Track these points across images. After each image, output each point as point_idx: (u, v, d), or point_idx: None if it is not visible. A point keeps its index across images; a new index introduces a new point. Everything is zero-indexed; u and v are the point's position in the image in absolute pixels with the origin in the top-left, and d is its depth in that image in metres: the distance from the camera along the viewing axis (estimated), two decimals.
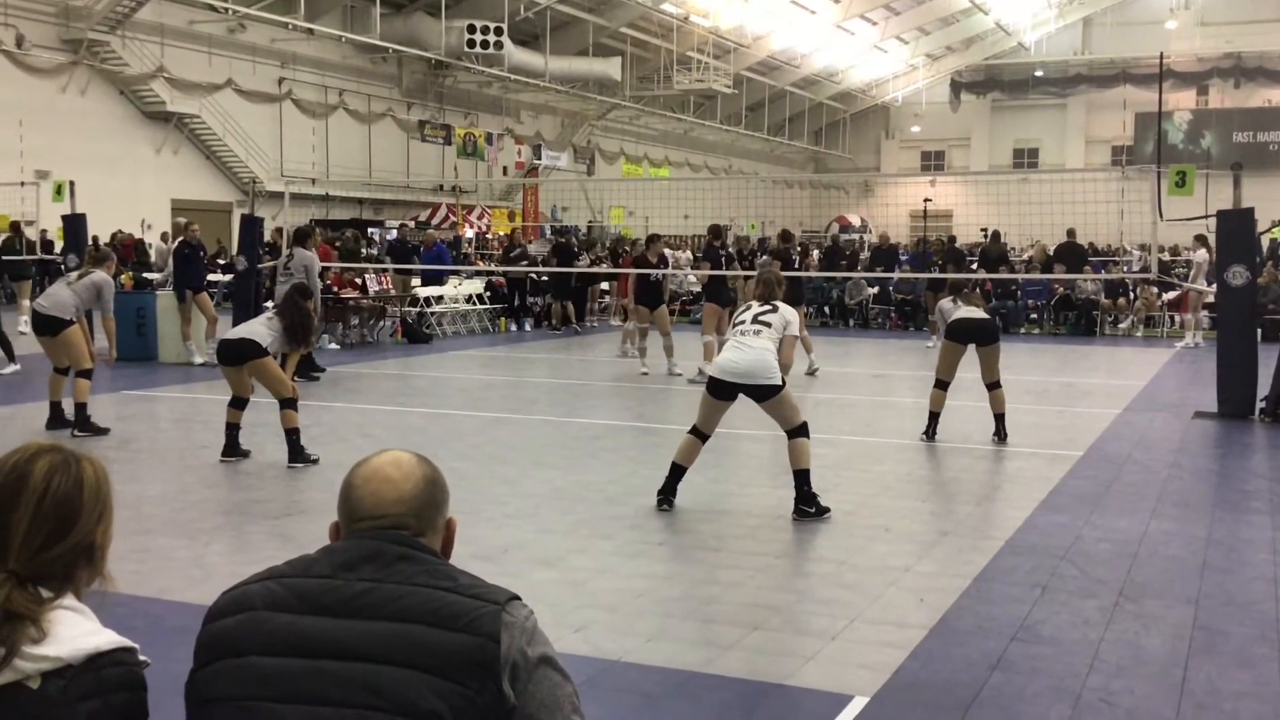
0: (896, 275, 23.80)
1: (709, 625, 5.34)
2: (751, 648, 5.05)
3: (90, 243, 16.64)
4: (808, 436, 7.48)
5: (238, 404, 9.17)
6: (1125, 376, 15.66)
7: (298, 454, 8.97)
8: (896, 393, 13.92)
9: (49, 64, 29.17)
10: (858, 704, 4.43)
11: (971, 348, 10.30)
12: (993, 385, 10.34)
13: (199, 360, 15.48)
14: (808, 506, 7.40)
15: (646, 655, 4.94)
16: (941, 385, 10.35)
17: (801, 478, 7.43)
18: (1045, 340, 21.75)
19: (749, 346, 7.47)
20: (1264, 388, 11.68)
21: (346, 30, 36.29)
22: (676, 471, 7.67)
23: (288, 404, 8.96)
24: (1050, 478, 8.71)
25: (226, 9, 31.78)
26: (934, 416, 10.37)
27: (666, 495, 7.65)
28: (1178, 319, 22.45)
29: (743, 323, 7.71)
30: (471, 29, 37.66)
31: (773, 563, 6.45)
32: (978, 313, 10.48)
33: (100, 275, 10.82)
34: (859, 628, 5.33)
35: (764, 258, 16.70)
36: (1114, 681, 4.68)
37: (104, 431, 10.31)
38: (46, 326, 10.46)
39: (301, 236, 15.02)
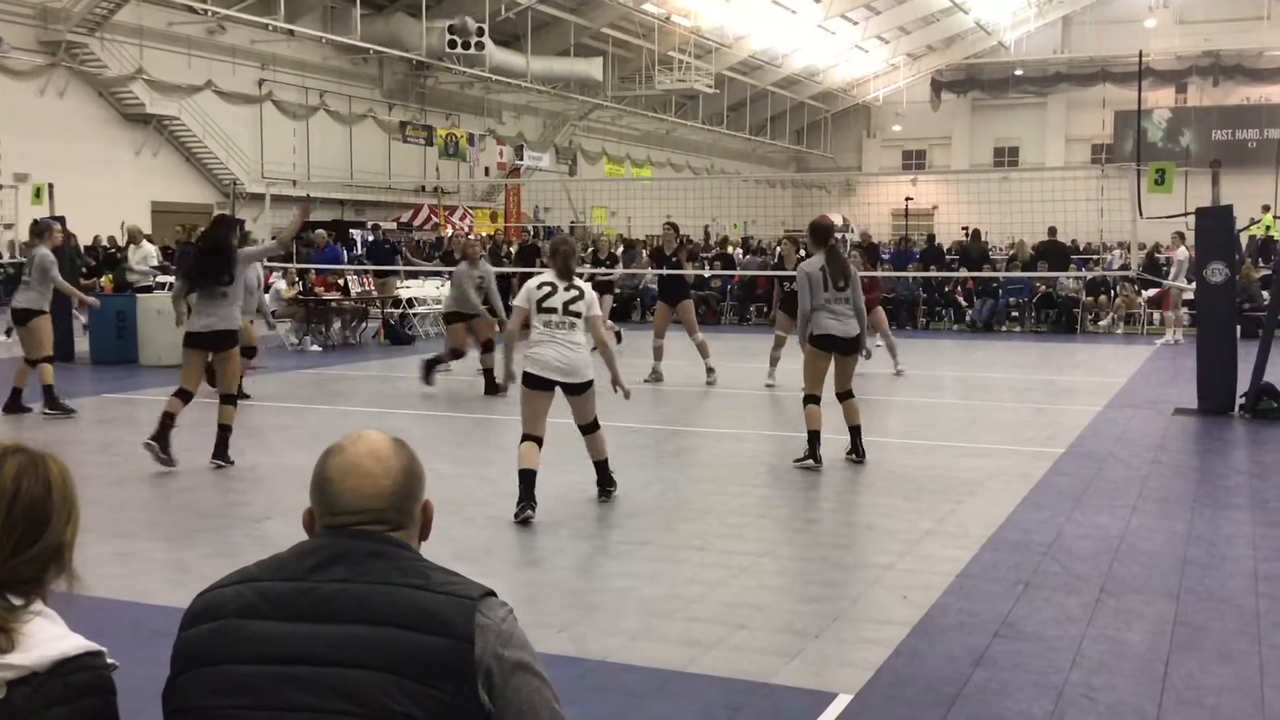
0: (880, 273, 23.80)
1: (692, 624, 5.34)
2: (735, 646, 5.06)
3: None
4: (600, 429, 7.77)
5: (184, 396, 8.92)
6: (1106, 374, 15.73)
7: (224, 452, 8.92)
8: (876, 390, 13.93)
9: (27, 66, 29.01)
10: (841, 701, 4.44)
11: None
12: (845, 395, 9.25)
13: None
14: (611, 488, 7.89)
15: (630, 655, 4.94)
16: (813, 400, 9.13)
17: (603, 466, 7.85)
18: (1026, 338, 21.84)
19: (570, 344, 7.41)
20: (1244, 384, 11.75)
21: (327, 31, 36.22)
22: (526, 477, 7.27)
23: (232, 400, 9.05)
24: (1032, 475, 8.74)
25: (206, 10, 31.66)
26: (814, 436, 8.99)
27: (527, 504, 7.20)
28: (1157, 316, 22.56)
29: (553, 311, 7.40)
30: (452, 29, 37.62)
31: (756, 561, 6.46)
32: (842, 323, 9.02)
33: (38, 251, 11.47)
34: (842, 626, 5.34)
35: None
36: (1096, 677, 4.70)
37: (71, 411, 11.11)
38: (20, 318, 11.40)
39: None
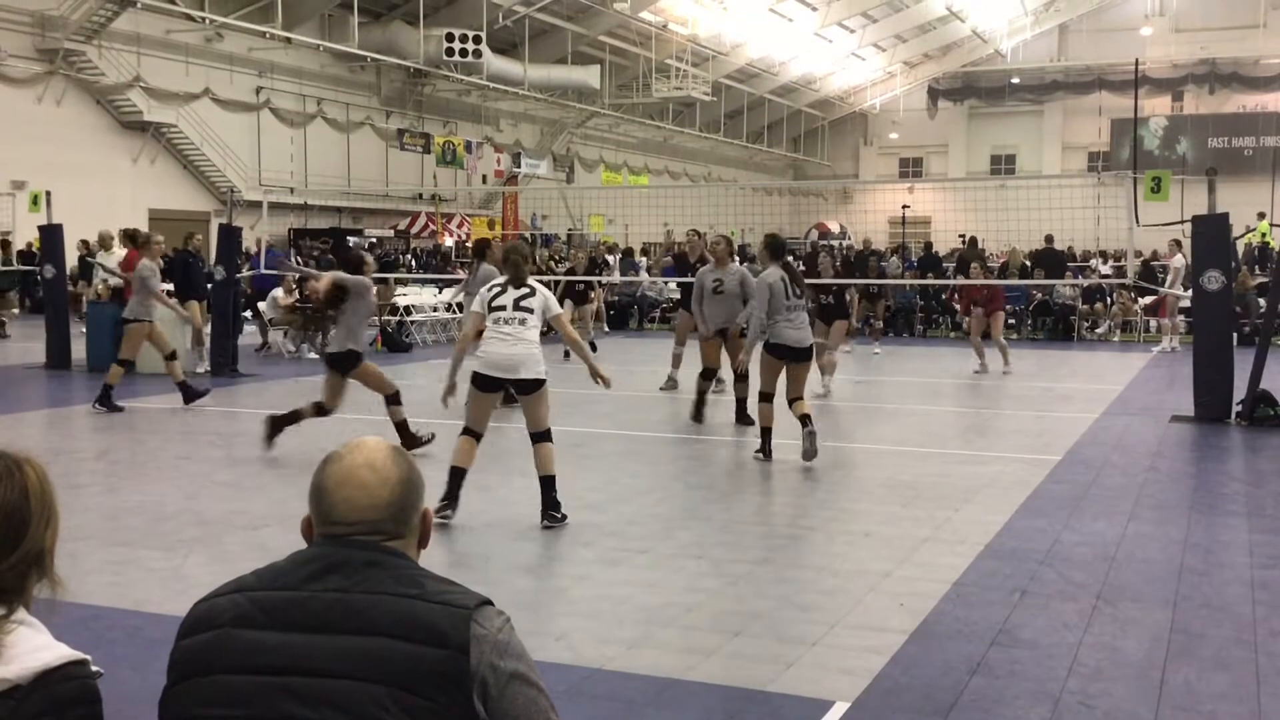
0: (879, 281, 23.85)
1: (690, 632, 5.34)
2: (732, 654, 5.06)
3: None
4: (552, 441, 7.44)
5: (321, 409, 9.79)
6: (1103, 381, 15.74)
7: (413, 440, 9.70)
8: (876, 398, 13.96)
9: (25, 74, 29.02)
10: (839, 709, 4.45)
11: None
12: (795, 399, 9.55)
13: (200, 369, 15.54)
14: (555, 513, 7.34)
15: (628, 662, 4.94)
16: (767, 398, 9.63)
17: (549, 484, 7.37)
18: (1023, 345, 21.83)
19: (518, 339, 7.24)
20: (1240, 391, 11.76)
21: (324, 39, 36.21)
22: (457, 475, 7.31)
23: (394, 399, 9.83)
24: (1029, 482, 8.75)
25: (204, 18, 31.68)
26: (766, 433, 9.64)
27: (450, 502, 7.24)
28: (1154, 323, 22.60)
29: (503, 309, 7.29)
30: (450, 37, 37.65)
31: (753, 569, 6.46)
32: (799, 332, 9.50)
33: (140, 262, 12.63)
34: (839, 633, 5.34)
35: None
36: (1093, 684, 4.71)
37: (119, 409, 12.03)
38: (123, 324, 12.70)
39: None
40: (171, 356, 12.72)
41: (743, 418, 11.42)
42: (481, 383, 7.34)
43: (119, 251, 18.88)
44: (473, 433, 7.42)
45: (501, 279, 7.55)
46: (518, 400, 7.73)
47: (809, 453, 9.25)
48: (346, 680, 1.80)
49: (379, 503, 1.95)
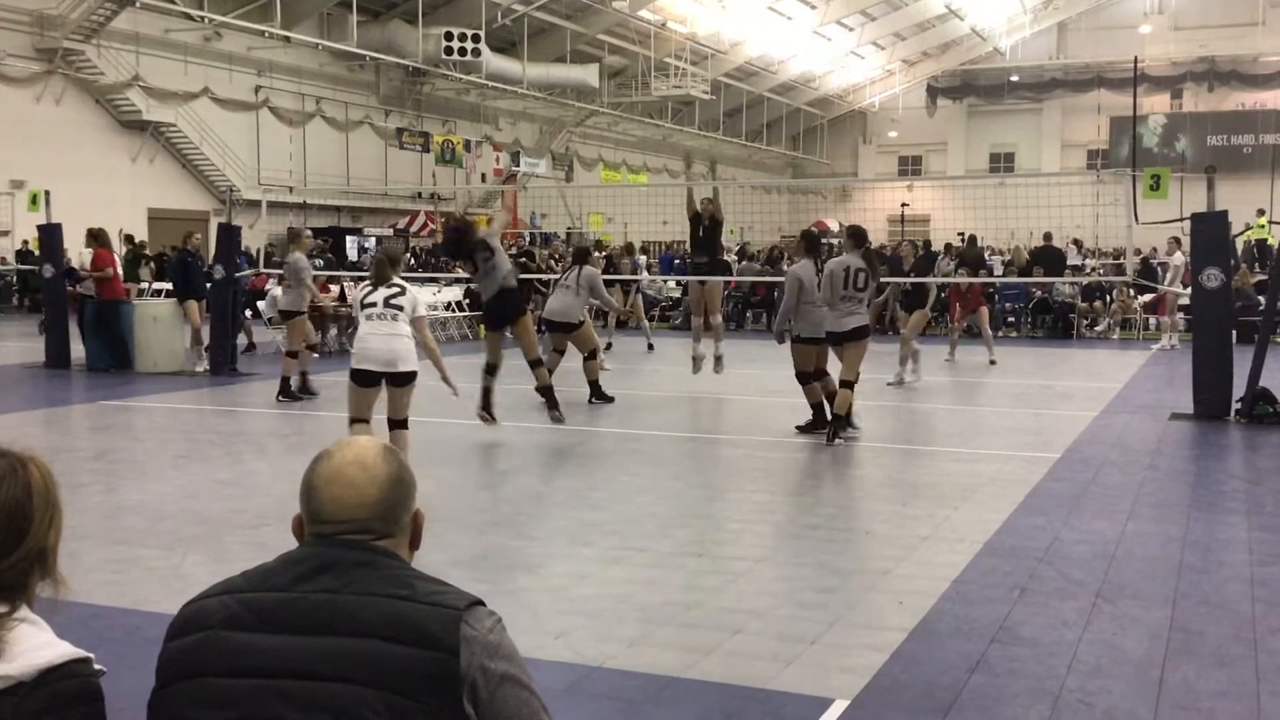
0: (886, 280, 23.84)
1: (690, 630, 5.34)
2: (732, 652, 5.06)
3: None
4: (408, 429, 8.01)
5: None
6: (1102, 379, 15.75)
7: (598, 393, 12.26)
8: (875, 396, 13.94)
9: (24, 73, 29.02)
10: (838, 707, 4.45)
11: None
12: (845, 384, 10.30)
13: (200, 369, 15.43)
14: None
15: (628, 661, 4.94)
16: (803, 378, 10.50)
17: None
18: (1023, 343, 21.86)
19: (392, 334, 7.75)
20: (1239, 389, 11.76)
21: (323, 38, 36.21)
22: None
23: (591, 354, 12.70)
24: (1028, 480, 8.75)
25: (202, 17, 31.67)
26: (817, 408, 10.42)
27: None
28: (1153, 321, 22.60)
29: (373, 305, 7.78)
30: (449, 36, 37.65)
31: (753, 567, 6.46)
32: (838, 320, 10.23)
33: (293, 255, 13.24)
34: (839, 631, 5.35)
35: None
36: (1092, 682, 4.71)
37: (314, 394, 13.04)
38: (283, 317, 13.43)
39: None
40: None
41: (819, 421, 10.81)
42: (361, 378, 7.78)
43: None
44: (361, 420, 7.91)
45: (369, 280, 8.06)
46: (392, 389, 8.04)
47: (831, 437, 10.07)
48: (336, 683, 1.79)
49: (368, 501, 1.94)
